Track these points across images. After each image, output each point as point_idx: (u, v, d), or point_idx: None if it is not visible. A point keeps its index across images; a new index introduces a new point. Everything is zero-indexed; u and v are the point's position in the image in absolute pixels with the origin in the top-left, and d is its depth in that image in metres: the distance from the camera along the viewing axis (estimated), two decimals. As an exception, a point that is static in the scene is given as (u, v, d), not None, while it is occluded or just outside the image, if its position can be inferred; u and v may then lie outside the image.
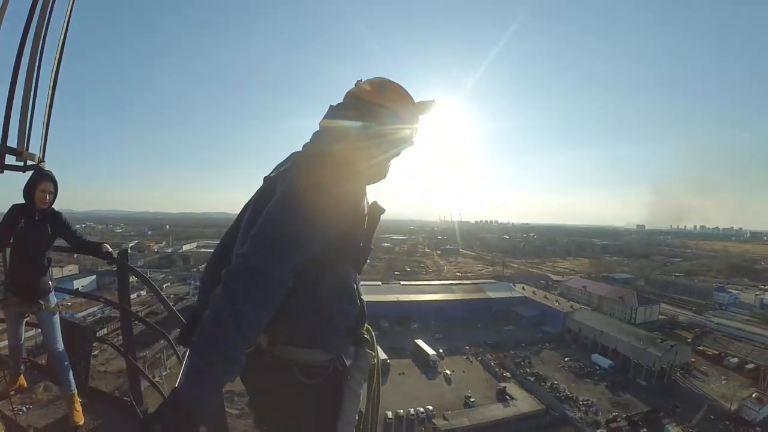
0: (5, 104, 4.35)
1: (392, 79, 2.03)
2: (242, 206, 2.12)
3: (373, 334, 2.11)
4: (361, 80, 2.06)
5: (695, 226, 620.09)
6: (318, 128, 2.03)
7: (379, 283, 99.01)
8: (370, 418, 2.08)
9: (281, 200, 1.60)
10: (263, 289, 1.42)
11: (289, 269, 1.49)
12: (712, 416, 48.46)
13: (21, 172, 4.74)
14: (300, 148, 2.04)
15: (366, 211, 1.83)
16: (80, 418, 4.34)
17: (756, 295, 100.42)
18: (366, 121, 1.93)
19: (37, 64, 4.42)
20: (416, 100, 2.04)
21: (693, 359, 62.63)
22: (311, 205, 1.57)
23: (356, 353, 1.96)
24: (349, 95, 2.06)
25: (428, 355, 61.83)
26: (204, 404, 1.33)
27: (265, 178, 2.07)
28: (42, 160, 4.88)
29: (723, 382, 56.95)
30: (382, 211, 1.86)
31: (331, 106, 2.05)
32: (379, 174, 1.99)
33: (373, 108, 1.95)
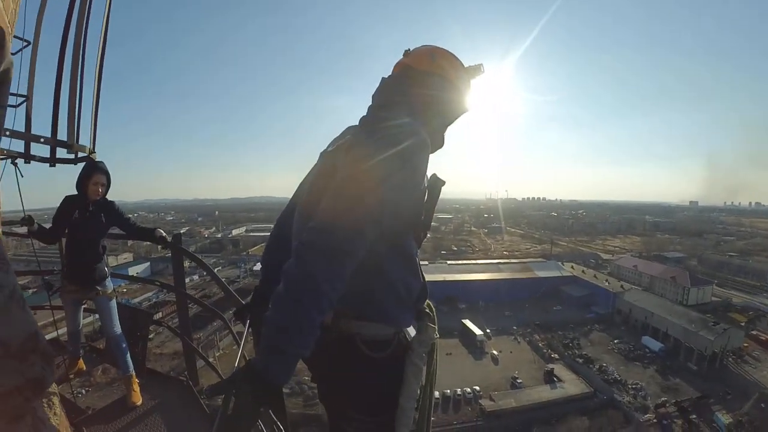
0: (53, 97, 4.49)
1: (441, 47, 2.03)
2: (286, 189, 2.11)
3: (434, 309, 2.09)
4: (409, 49, 2.07)
5: (750, 203, 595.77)
6: (371, 101, 2.03)
7: (426, 262, 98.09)
8: (429, 393, 2.06)
9: (352, 173, 1.58)
10: (337, 262, 1.43)
11: (361, 242, 1.50)
12: (762, 404, 47.08)
13: (72, 164, 4.90)
14: (354, 123, 2.04)
15: (426, 184, 1.81)
16: (138, 399, 4.50)
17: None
18: (420, 91, 1.94)
19: (81, 55, 4.50)
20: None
21: (746, 344, 60.55)
22: (382, 178, 1.55)
23: (419, 328, 1.97)
24: (400, 65, 2.07)
25: (475, 335, 61.96)
26: (281, 377, 1.36)
27: (322, 153, 2.08)
28: (93, 151, 5.01)
29: (775, 369, 55.02)
30: (443, 183, 1.80)
31: (383, 78, 2.06)
32: (438, 143, 2.00)
33: (426, 76, 1.96)
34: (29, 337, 0.70)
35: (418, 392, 1.92)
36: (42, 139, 4.45)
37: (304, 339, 1.37)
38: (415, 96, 1.94)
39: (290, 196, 2.25)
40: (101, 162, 4.30)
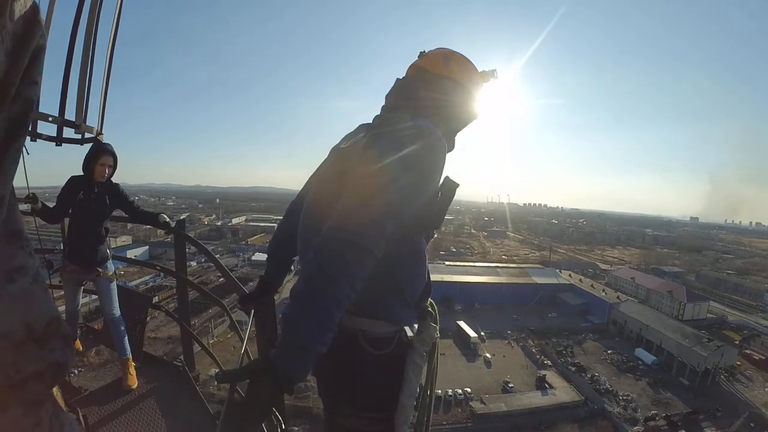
0: (63, 76, 4.46)
1: (455, 50, 2.03)
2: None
3: (436, 308, 2.13)
4: (424, 51, 2.08)
5: (751, 223, 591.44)
6: (385, 102, 2.05)
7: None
8: (429, 392, 2.08)
9: (371, 172, 1.59)
10: (357, 260, 1.42)
11: (380, 239, 1.49)
12: (752, 424, 47.11)
13: (79, 145, 4.89)
14: (361, 122, 2.08)
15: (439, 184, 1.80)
16: (134, 382, 4.53)
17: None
18: (432, 94, 1.94)
19: (93, 35, 4.48)
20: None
21: (738, 362, 60.65)
22: (401, 178, 1.56)
23: (420, 326, 1.98)
24: (414, 67, 2.08)
25: (470, 337, 61.97)
26: (300, 373, 1.37)
27: (334, 149, 2.09)
28: (100, 133, 5.00)
29: (767, 389, 55.18)
30: (456, 185, 1.80)
31: (397, 79, 2.07)
32: (450, 146, 1.98)
33: (439, 80, 1.96)
34: (52, 321, 0.71)
35: (418, 390, 1.92)
36: (50, 118, 4.45)
37: (324, 336, 1.38)
38: (428, 99, 1.94)
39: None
40: (108, 144, 4.28)
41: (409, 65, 2.14)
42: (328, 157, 2.10)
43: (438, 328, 2.03)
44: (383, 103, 2.08)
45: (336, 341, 1.69)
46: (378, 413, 1.88)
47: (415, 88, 1.97)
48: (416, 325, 2.01)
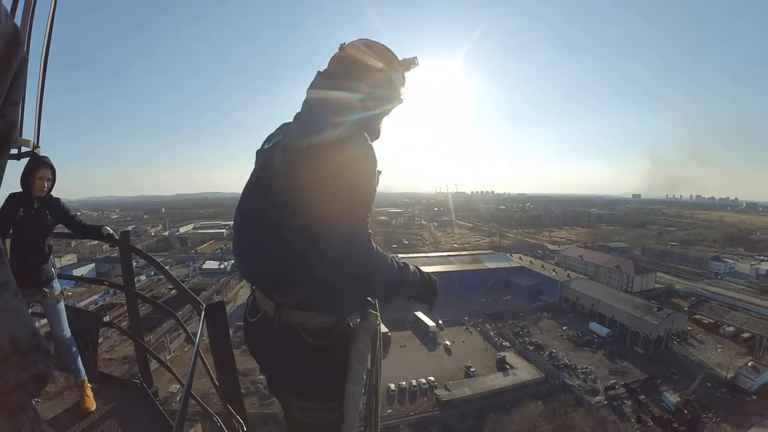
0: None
1: (375, 40, 2.07)
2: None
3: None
4: (344, 43, 2.09)
5: (691, 196, 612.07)
6: (306, 95, 2.05)
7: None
8: (375, 378, 2.15)
9: (342, 172, 1.69)
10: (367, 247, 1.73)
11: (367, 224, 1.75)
12: (708, 384, 49.34)
13: (15, 160, 4.66)
14: (284, 121, 2.14)
15: None
16: (92, 404, 4.36)
17: (752, 264, 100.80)
18: (356, 84, 1.97)
19: (27, 39, 4.29)
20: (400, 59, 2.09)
21: (689, 327, 63.59)
22: (365, 174, 1.74)
23: (361, 315, 2.03)
24: (335, 59, 2.09)
25: (428, 327, 62.60)
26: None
27: (258, 151, 2.11)
28: (37, 146, 4.78)
29: (719, 350, 57.98)
30: (379, 172, 1.86)
31: (318, 72, 2.07)
32: (375, 134, 2.05)
33: (360, 69, 1.99)
34: (34, 334, 0.74)
35: (365, 377, 2.00)
36: (-19, 134, 4.22)
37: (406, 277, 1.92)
38: (350, 89, 1.96)
39: (240, 191, 2.19)
40: (46, 157, 4.11)
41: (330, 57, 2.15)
42: (257, 162, 2.11)
43: (378, 315, 2.07)
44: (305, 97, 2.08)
45: (277, 336, 1.85)
46: (328, 403, 1.95)
47: (338, 80, 1.98)
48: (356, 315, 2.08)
